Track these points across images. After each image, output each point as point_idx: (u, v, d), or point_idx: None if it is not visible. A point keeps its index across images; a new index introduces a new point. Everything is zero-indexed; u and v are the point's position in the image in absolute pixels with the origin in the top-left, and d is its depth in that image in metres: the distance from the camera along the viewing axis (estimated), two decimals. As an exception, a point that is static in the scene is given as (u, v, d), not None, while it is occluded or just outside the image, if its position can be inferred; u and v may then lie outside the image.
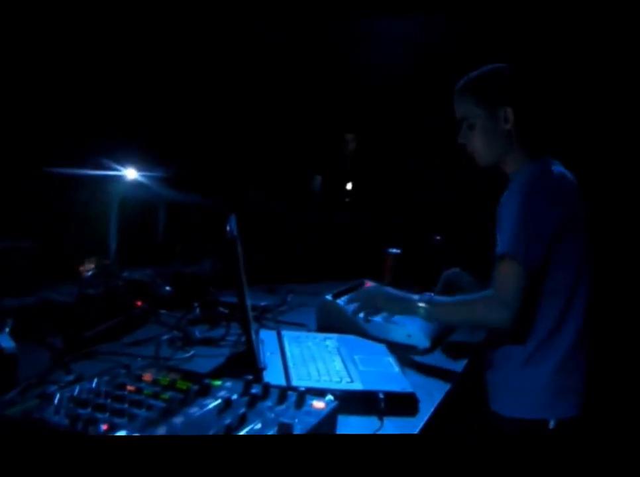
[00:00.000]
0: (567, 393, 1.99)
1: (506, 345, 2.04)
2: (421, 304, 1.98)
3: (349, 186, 4.08)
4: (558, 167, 2.03)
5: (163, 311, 2.39)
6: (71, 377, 1.66)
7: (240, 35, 4.00)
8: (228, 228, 1.78)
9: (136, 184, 3.42)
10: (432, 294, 2.05)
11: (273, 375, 1.73)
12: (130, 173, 3.42)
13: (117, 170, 3.40)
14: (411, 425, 1.63)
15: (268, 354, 1.93)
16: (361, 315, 2.16)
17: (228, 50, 4.02)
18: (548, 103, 2.13)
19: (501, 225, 1.94)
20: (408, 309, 2.03)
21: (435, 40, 4.07)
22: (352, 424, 1.56)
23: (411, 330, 2.22)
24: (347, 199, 4.06)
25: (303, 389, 1.44)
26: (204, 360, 2.01)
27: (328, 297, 2.37)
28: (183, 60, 3.83)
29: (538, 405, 1.98)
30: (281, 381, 1.69)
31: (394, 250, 2.64)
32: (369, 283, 2.55)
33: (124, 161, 3.44)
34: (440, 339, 2.32)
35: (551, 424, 1.95)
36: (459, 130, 2.14)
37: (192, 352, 2.07)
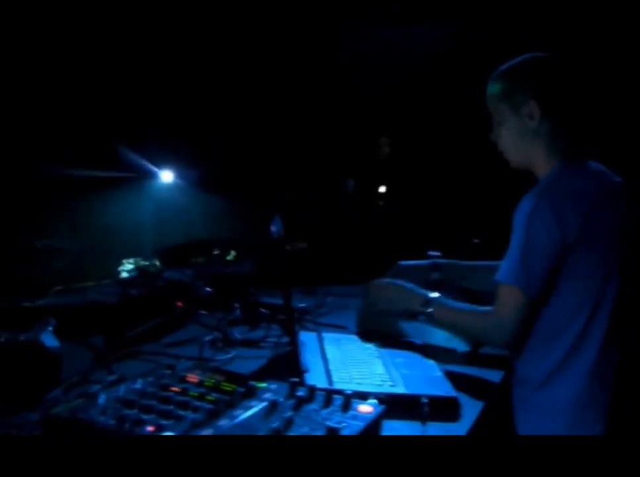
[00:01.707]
0: (589, 418, 1.89)
1: (524, 365, 1.98)
2: (425, 304, 1.98)
3: (382, 189, 4.06)
4: (587, 173, 1.93)
5: (203, 312, 2.40)
6: (113, 378, 1.67)
7: (276, 40, 4.01)
8: (273, 228, 1.78)
9: (173, 185, 3.45)
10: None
11: (315, 378, 1.72)
12: (167, 176, 3.45)
13: (155, 172, 3.43)
14: (455, 430, 1.61)
15: (309, 356, 1.92)
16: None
17: (267, 55, 4.03)
18: (582, 97, 2.01)
19: (509, 246, 1.87)
20: (411, 304, 2.02)
21: (467, 42, 4.06)
22: (395, 429, 1.55)
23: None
24: (380, 203, 4.05)
25: (349, 392, 1.44)
26: (245, 362, 2.01)
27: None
28: (224, 65, 3.85)
29: (559, 427, 1.89)
30: (324, 384, 1.68)
31: (434, 253, 2.62)
32: None
33: (163, 163, 3.47)
34: (481, 345, 2.29)
35: None
36: (491, 128, 2.07)
37: (233, 353, 2.07)
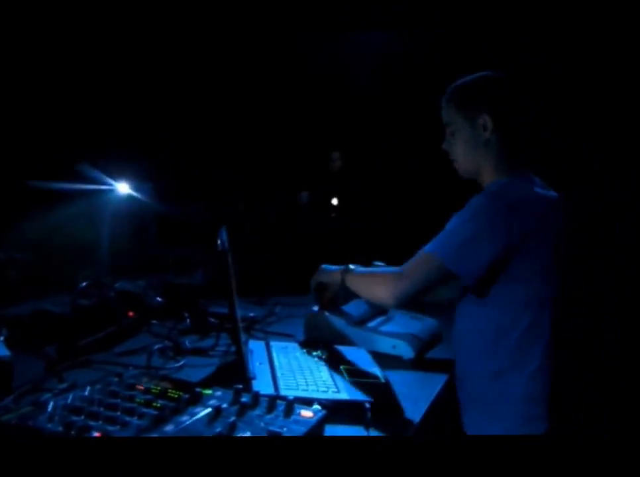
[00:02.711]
0: (534, 418, 1.97)
1: (471, 364, 2.05)
2: (341, 273, 2.17)
3: (335, 201, 4.13)
4: (531, 184, 2.01)
5: (154, 321, 2.42)
6: (64, 386, 1.70)
7: (231, 53, 4.05)
8: (219, 240, 1.82)
9: (129, 197, 3.47)
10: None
11: (262, 385, 1.77)
12: (123, 187, 3.47)
13: (110, 184, 3.45)
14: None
15: (257, 364, 1.96)
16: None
17: (221, 67, 4.07)
18: (531, 114, 2.12)
19: (446, 228, 1.96)
20: (333, 277, 2.22)
21: (420, 56, 4.14)
22: (338, 434, 1.59)
23: (396, 342, 2.27)
24: (333, 214, 4.12)
25: (291, 398, 1.48)
26: (194, 370, 2.04)
27: (316, 308, 2.42)
28: (177, 76, 3.88)
29: (506, 430, 1.96)
30: (270, 391, 1.73)
31: (379, 263, 2.68)
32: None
33: (118, 175, 3.49)
34: (425, 351, 2.36)
35: None
36: (444, 137, 2.16)
37: (182, 362, 2.10)
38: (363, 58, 4.38)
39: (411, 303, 2.00)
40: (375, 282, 2.07)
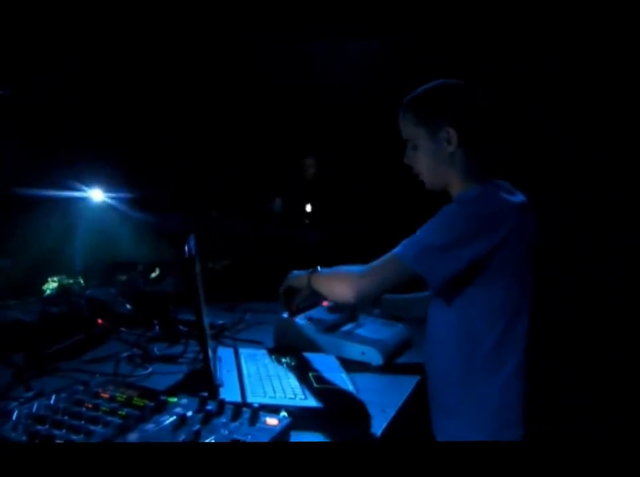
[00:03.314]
0: (508, 424, 1.97)
1: (444, 371, 2.06)
2: (308, 276, 2.20)
3: (308, 208, 4.15)
4: (502, 192, 1.99)
5: (123, 329, 2.42)
6: (30, 394, 1.70)
7: (200, 60, 4.05)
8: (186, 248, 1.83)
9: (101, 205, 3.46)
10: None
11: (229, 392, 1.77)
12: (96, 194, 3.46)
13: (83, 191, 3.44)
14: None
15: (225, 371, 1.97)
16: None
17: (193, 74, 4.08)
18: (496, 125, 2.11)
19: (419, 231, 1.96)
20: (300, 281, 2.24)
21: (394, 63, 4.17)
22: (305, 441, 1.60)
23: (365, 348, 2.28)
24: (307, 221, 4.13)
25: (257, 405, 1.49)
26: (162, 377, 2.04)
27: (285, 315, 2.43)
28: (148, 81, 3.88)
29: (479, 432, 1.97)
30: (237, 398, 1.73)
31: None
32: (325, 303, 2.61)
33: (91, 182, 3.48)
34: (394, 357, 2.37)
35: None
36: (405, 152, 2.11)
37: (150, 369, 2.10)
38: (338, 64, 4.40)
39: (370, 301, 2.02)
40: (337, 280, 2.08)
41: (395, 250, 1.95)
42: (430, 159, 2.05)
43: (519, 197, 2.04)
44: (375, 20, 4.07)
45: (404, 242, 1.95)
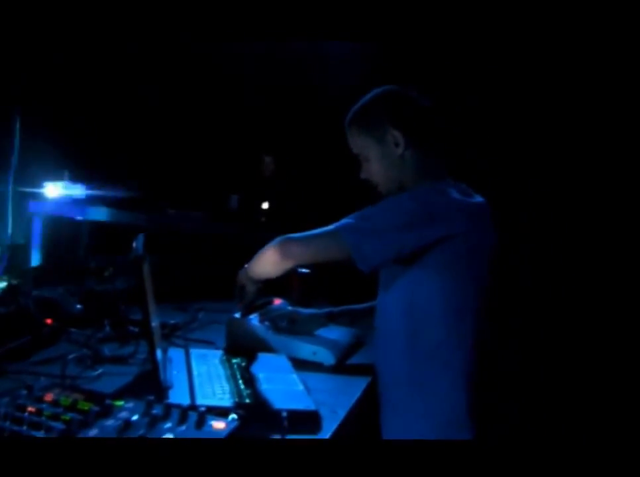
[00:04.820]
0: (454, 427, 1.99)
1: (392, 368, 2.08)
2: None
3: (265, 206, 4.13)
4: (453, 191, 2.00)
5: (73, 329, 2.38)
6: (-28, 398, 1.66)
7: (159, 51, 4.01)
8: (134, 246, 1.81)
9: (56, 202, 3.40)
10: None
11: (178, 394, 1.76)
12: (52, 191, 3.40)
13: (39, 186, 3.38)
14: (314, 442, 1.65)
15: (175, 372, 1.96)
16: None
17: (147, 63, 4.03)
18: (439, 124, 2.14)
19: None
20: (242, 277, 2.25)
21: (358, 60, 4.16)
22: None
23: (317, 348, 2.28)
24: (263, 219, 4.12)
25: (203, 409, 1.48)
26: (112, 379, 2.01)
27: (237, 315, 2.41)
28: (99, 73, 3.83)
29: (429, 435, 1.99)
30: (186, 400, 1.72)
31: (302, 270, 2.70)
32: (278, 301, 2.60)
33: (46, 177, 3.42)
34: (347, 357, 2.37)
35: None
36: (359, 167, 2.16)
37: (100, 371, 2.07)
38: (300, 62, 4.38)
39: (295, 265, 2.04)
40: (264, 252, 2.13)
41: (335, 224, 1.97)
42: (382, 165, 2.10)
43: (476, 199, 2.06)
44: (349, 24, 4.07)
45: (345, 218, 1.97)
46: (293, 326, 2.40)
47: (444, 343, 1.97)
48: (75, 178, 3.55)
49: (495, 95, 3.94)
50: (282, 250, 2.03)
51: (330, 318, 2.50)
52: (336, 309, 2.53)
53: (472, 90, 3.83)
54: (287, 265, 2.08)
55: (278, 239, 2.08)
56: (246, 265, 2.24)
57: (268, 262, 2.11)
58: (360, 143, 2.12)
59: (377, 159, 2.10)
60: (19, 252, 3.22)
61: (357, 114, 2.13)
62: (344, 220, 1.96)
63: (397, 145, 2.06)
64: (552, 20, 3.03)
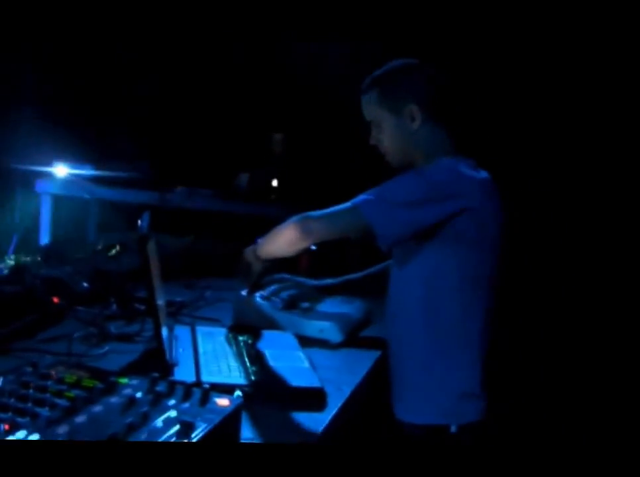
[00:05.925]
0: (469, 398, 2.00)
1: (406, 347, 2.08)
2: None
3: (275, 183, 4.12)
4: (464, 166, 2.00)
5: (80, 308, 2.38)
6: (-21, 376, 1.67)
7: (169, 34, 4.00)
8: (139, 224, 1.80)
9: (65, 181, 3.40)
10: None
11: (184, 372, 1.76)
12: (61, 170, 3.40)
13: (48, 166, 3.38)
14: (319, 420, 1.66)
15: (181, 350, 1.96)
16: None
17: (159, 43, 4.02)
18: (459, 101, 2.13)
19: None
20: (249, 255, 2.23)
21: (364, 41, 4.14)
22: (258, 420, 1.59)
23: (324, 325, 2.28)
24: (272, 196, 4.11)
25: (207, 386, 1.47)
26: (118, 356, 2.01)
27: (244, 292, 2.41)
28: (110, 57, 3.83)
29: (440, 411, 2.00)
30: (192, 377, 1.72)
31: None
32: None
33: (54, 157, 3.42)
34: (354, 333, 2.37)
35: (452, 429, 1.97)
36: (369, 132, 2.14)
37: (107, 348, 2.07)
38: (308, 45, 4.37)
39: (313, 243, 2.03)
40: (279, 231, 2.11)
41: (354, 200, 1.95)
42: (394, 138, 2.08)
43: (482, 174, 2.05)
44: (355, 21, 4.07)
45: (364, 194, 1.95)
46: (298, 298, 2.40)
47: (463, 314, 1.98)
48: (84, 158, 3.55)
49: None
50: (301, 228, 2.01)
51: (332, 291, 2.50)
52: (337, 280, 2.52)
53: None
54: (305, 243, 2.07)
55: (296, 217, 2.05)
56: (253, 244, 2.23)
57: (285, 241, 2.09)
58: (375, 111, 2.10)
59: (390, 130, 2.08)
60: (29, 231, 3.23)
61: (377, 82, 2.10)
62: (362, 196, 1.95)
63: (413, 119, 2.05)
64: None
